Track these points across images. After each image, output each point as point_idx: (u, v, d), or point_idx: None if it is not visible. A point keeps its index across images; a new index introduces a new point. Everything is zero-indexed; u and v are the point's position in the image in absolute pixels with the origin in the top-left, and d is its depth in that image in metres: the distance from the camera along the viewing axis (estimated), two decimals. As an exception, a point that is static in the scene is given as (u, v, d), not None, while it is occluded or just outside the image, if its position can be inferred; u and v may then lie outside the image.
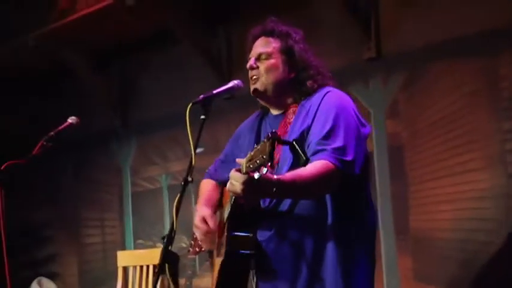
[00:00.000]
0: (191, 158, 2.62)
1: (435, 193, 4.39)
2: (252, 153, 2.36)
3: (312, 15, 5.00)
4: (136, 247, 6.33)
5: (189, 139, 2.63)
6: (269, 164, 2.27)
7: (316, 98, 2.76)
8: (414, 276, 4.46)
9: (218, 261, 2.82)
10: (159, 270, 2.60)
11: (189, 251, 4.08)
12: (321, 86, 2.83)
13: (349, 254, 2.67)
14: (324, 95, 2.75)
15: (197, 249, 4.05)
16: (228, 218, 2.76)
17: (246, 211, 2.70)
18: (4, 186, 3.18)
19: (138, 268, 4.50)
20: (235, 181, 2.40)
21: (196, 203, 5.78)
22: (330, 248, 2.65)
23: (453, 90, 4.30)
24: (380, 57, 4.67)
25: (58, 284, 6.77)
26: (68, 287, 6.97)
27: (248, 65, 2.90)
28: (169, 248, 2.62)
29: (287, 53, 2.87)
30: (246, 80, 2.95)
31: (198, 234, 2.95)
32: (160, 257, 2.60)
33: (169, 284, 3.26)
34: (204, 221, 2.90)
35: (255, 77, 2.87)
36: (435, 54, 4.40)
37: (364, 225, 2.77)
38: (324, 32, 4.91)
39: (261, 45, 2.90)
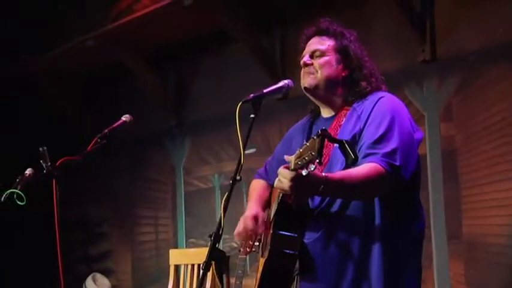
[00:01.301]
0: (240, 157, 2.64)
1: (489, 198, 4.33)
2: (301, 150, 2.35)
3: (367, 17, 4.98)
4: (188, 246, 6.37)
5: (238, 138, 2.65)
6: (317, 161, 2.27)
7: (369, 102, 2.74)
8: (466, 281, 4.40)
9: (262, 260, 2.82)
10: (205, 268, 2.60)
11: (239, 250, 4.09)
12: (375, 90, 2.81)
13: (397, 261, 2.64)
14: (378, 100, 2.73)
15: (248, 249, 4.06)
16: (274, 216, 2.76)
17: (293, 211, 2.70)
18: (60, 182, 3.24)
19: (189, 267, 4.53)
20: (283, 178, 2.41)
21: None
22: (377, 254, 2.62)
23: (508, 95, 4.23)
24: (435, 60, 4.62)
25: (112, 281, 6.87)
26: (121, 283, 7.05)
27: (302, 61, 2.89)
28: (217, 245, 2.63)
29: (342, 51, 2.86)
30: (299, 81, 2.94)
31: (240, 227, 2.92)
32: (207, 255, 2.60)
33: (215, 281, 3.31)
34: (255, 219, 2.89)
35: (308, 73, 2.86)
36: (490, 57, 4.33)
37: (412, 233, 2.74)
38: (378, 34, 4.89)
39: (316, 43, 2.90)
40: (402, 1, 4.74)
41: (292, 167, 2.38)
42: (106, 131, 3.42)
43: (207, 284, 4.14)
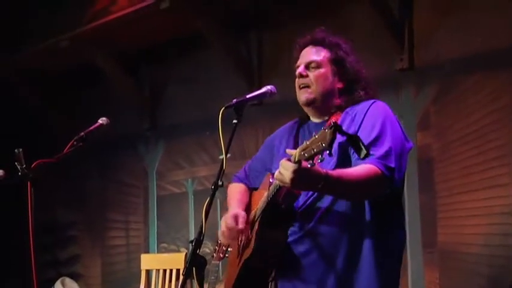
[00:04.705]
0: (222, 162, 2.61)
1: (464, 207, 4.35)
2: (308, 142, 2.29)
3: (345, 24, 4.97)
4: (159, 251, 6.32)
5: (219, 143, 2.63)
6: (327, 152, 2.23)
7: (362, 107, 2.73)
8: (440, 290, 4.43)
9: (234, 259, 2.84)
10: (186, 274, 2.58)
11: (213, 256, 4.07)
12: (369, 98, 2.80)
13: (383, 270, 2.63)
14: (371, 104, 2.73)
15: (221, 255, 4.03)
16: (261, 214, 2.72)
17: (281, 210, 2.68)
18: (35, 185, 3.18)
19: (161, 272, 4.51)
20: (285, 170, 2.37)
21: (222, 208, 5.78)
22: (365, 262, 2.61)
23: (487, 104, 4.26)
24: (413, 68, 4.64)
25: (81, 285, 6.79)
26: (90, 288, 7.00)
27: (297, 72, 2.84)
28: (198, 251, 2.60)
29: (337, 63, 2.82)
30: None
31: (223, 226, 2.88)
32: (188, 261, 2.59)
33: (195, 288, 3.29)
34: (235, 218, 2.84)
35: (303, 85, 2.82)
36: (469, 66, 4.36)
37: (397, 242, 2.74)
38: (356, 42, 4.81)
39: (311, 54, 2.85)
40: (381, 9, 4.75)
41: (297, 159, 2.34)
42: (83, 133, 3.35)
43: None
